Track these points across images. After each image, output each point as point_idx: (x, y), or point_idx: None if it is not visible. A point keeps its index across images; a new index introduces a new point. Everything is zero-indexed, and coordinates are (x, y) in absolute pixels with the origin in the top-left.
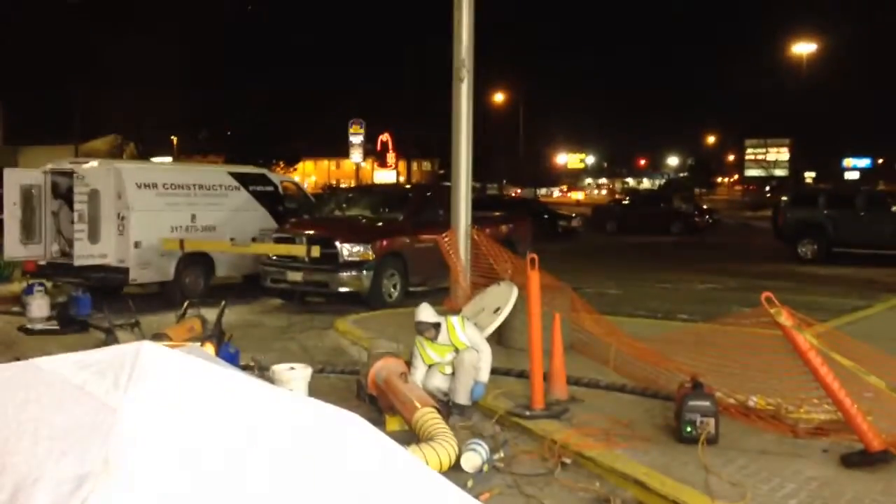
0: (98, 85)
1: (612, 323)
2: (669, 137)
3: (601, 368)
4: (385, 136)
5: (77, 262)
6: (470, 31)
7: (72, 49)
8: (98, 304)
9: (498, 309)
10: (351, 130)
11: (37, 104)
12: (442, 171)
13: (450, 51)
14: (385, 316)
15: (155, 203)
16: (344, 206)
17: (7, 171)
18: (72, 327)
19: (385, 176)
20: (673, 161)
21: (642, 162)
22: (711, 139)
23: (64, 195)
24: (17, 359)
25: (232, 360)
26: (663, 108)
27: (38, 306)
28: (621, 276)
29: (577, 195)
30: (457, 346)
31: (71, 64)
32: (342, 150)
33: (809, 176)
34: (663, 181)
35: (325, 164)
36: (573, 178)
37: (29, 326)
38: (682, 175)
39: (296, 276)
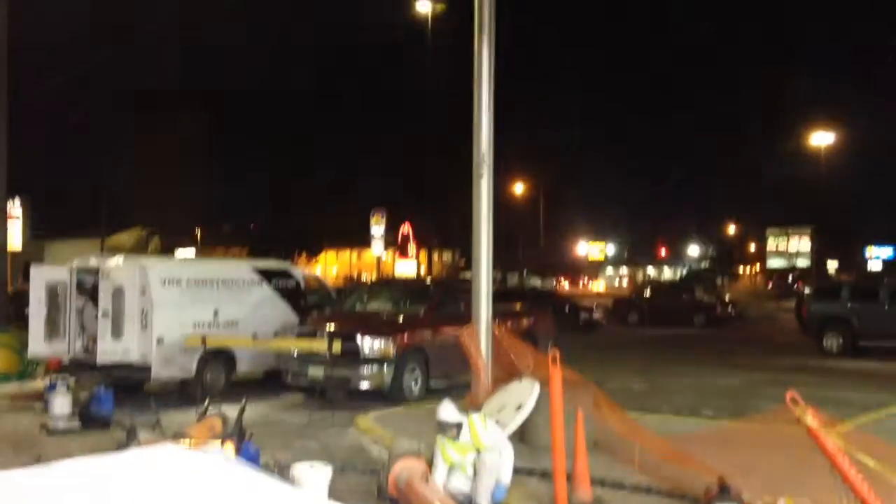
0: (124, 178)
1: (635, 421)
2: (690, 227)
3: (626, 468)
4: (406, 228)
5: (100, 360)
6: (490, 128)
7: (99, 144)
8: (120, 401)
9: (520, 406)
10: (372, 221)
11: (63, 198)
12: (463, 262)
13: (470, 142)
14: (406, 412)
15: (179, 299)
16: (365, 299)
17: (34, 269)
18: (94, 425)
19: (406, 266)
20: (694, 251)
21: (663, 252)
22: (732, 229)
23: (89, 292)
24: (39, 459)
25: (253, 459)
26: (683, 197)
27: (61, 404)
28: (645, 370)
29: (599, 286)
30: (478, 446)
31: (98, 158)
32: (364, 241)
33: (832, 265)
34: (685, 271)
35: (347, 255)
36: (594, 269)
37: (51, 425)
38: (703, 265)
39: (317, 372)
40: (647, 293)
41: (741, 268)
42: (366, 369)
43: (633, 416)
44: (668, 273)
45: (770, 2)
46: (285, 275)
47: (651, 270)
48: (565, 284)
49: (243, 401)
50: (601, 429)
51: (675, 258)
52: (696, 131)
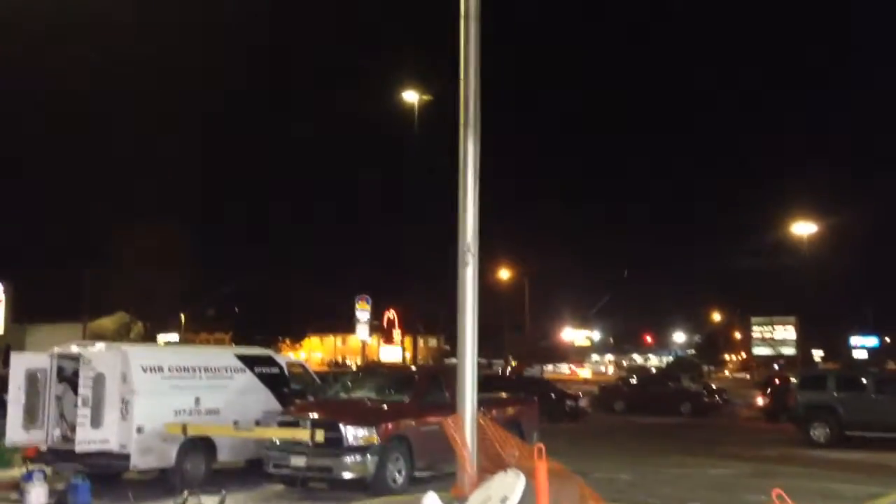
0: (107, 263)
1: None
2: (675, 314)
3: None
4: (391, 313)
5: (78, 448)
6: (475, 218)
7: (82, 228)
8: (98, 492)
9: (505, 499)
10: (357, 307)
11: (46, 282)
12: (448, 347)
13: (456, 228)
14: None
15: (160, 386)
16: (349, 386)
17: (14, 356)
18: None
19: (391, 352)
20: (679, 338)
21: (648, 339)
22: (717, 316)
23: (69, 379)
24: None
25: None
26: (668, 284)
27: (37, 494)
28: (631, 460)
29: (584, 372)
30: None
31: (81, 243)
32: (348, 326)
33: (818, 354)
34: (670, 359)
35: (331, 340)
36: (580, 355)
37: None
38: (689, 352)
39: (299, 461)
40: (634, 381)
41: (727, 355)
42: (349, 459)
43: None
44: (654, 360)
45: (753, 94)
46: (268, 362)
47: (637, 357)
48: (562, 368)
49: (223, 493)
50: None
51: (661, 345)
52: (682, 219)
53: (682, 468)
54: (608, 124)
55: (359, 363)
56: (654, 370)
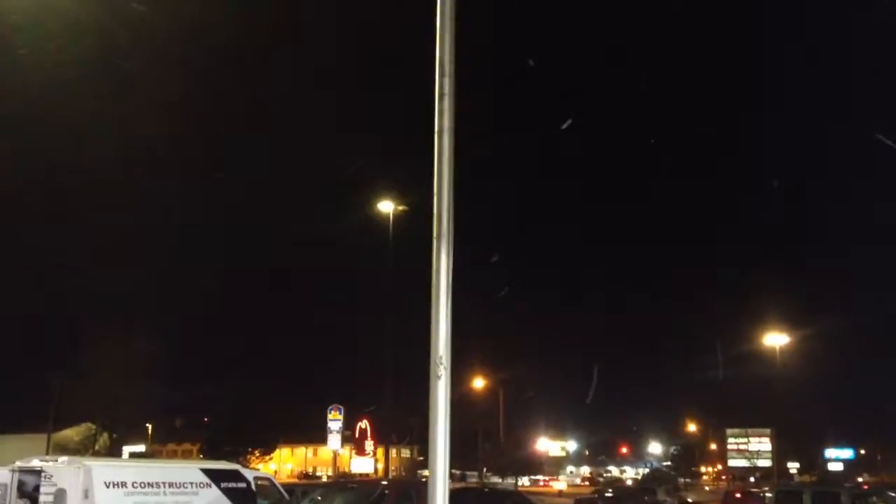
0: (73, 372)
1: None
2: (651, 425)
3: None
4: (363, 423)
5: None
6: (447, 331)
7: (47, 336)
8: None
9: None
10: (330, 416)
11: (9, 391)
12: (421, 458)
13: (428, 339)
14: None
15: (123, 503)
16: (319, 502)
17: None
18: None
19: (363, 464)
20: (655, 448)
21: (624, 450)
22: (693, 427)
23: (29, 494)
24: None
25: None
26: (643, 396)
27: None
28: None
29: (559, 485)
30: None
31: (46, 351)
32: (319, 438)
33: (793, 466)
34: (646, 470)
35: (302, 451)
36: (555, 466)
37: None
38: (665, 464)
39: None
40: (609, 494)
41: (703, 467)
42: None
43: None
44: (629, 471)
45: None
46: (235, 476)
47: (613, 468)
48: (537, 480)
49: None
50: None
51: (637, 455)
52: (658, 330)
53: None
54: (587, 234)
55: (329, 475)
56: (629, 482)
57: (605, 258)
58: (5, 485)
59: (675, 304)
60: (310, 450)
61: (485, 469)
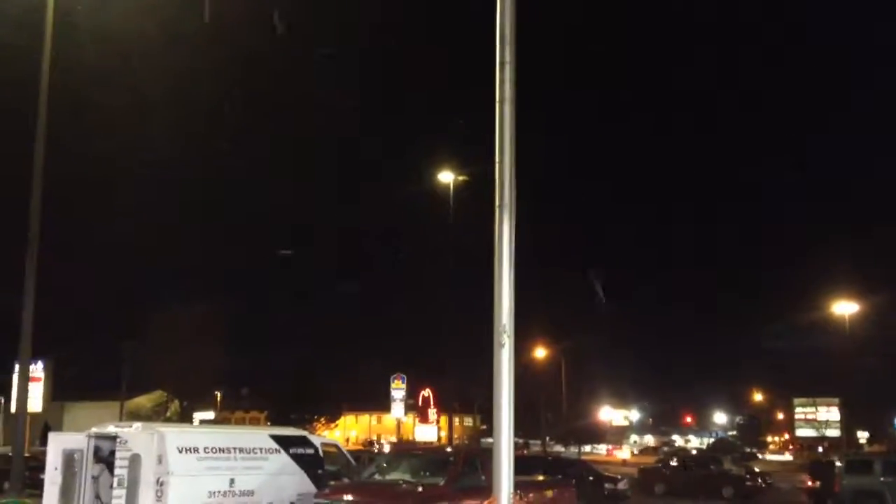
0: (146, 341)
1: None
2: (716, 394)
3: None
4: (427, 392)
5: None
6: (510, 299)
7: (121, 306)
8: None
9: None
10: (393, 385)
11: (85, 360)
12: (484, 427)
13: (492, 308)
14: None
15: (195, 467)
16: (384, 468)
17: (52, 436)
18: None
19: (426, 431)
20: (720, 418)
21: (688, 419)
22: (759, 397)
23: (105, 459)
24: None
25: None
26: (709, 364)
27: None
28: None
29: (623, 454)
30: None
31: (119, 321)
32: (383, 405)
33: (863, 436)
34: (711, 440)
35: (367, 419)
36: (618, 436)
37: None
38: (730, 434)
39: None
40: (674, 463)
41: (769, 436)
42: None
43: None
44: (694, 441)
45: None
46: (303, 442)
47: (677, 438)
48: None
49: None
50: None
51: (702, 425)
52: (725, 298)
53: None
54: (649, 198)
55: (394, 442)
56: (694, 452)
57: (671, 228)
58: (81, 450)
59: (742, 272)
60: (374, 417)
61: (548, 438)
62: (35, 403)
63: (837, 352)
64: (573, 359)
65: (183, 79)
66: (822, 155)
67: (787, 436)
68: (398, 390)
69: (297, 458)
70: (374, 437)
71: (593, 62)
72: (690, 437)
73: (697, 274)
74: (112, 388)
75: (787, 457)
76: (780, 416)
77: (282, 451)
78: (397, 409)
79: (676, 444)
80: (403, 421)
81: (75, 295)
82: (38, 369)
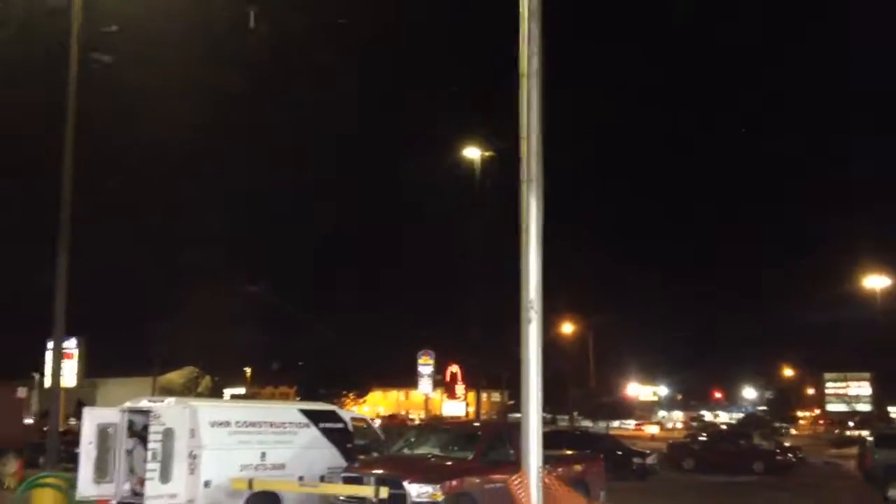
0: (176, 318)
1: None
2: (745, 370)
3: None
4: (454, 368)
5: (147, 502)
6: (538, 274)
7: (151, 284)
8: None
9: None
10: (420, 361)
11: (116, 337)
12: (512, 402)
13: (519, 283)
14: None
15: (227, 441)
16: (413, 442)
17: (86, 411)
18: None
19: (454, 407)
20: (750, 394)
21: (717, 395)
22: (789, 372)
23: (139, 433)
24: None
25: None
26: (737, 340)
27: None
28: None
29: (651, 429)
30: None
31: (150, 298)
32: (411, 381)
33: (894, 411)
34: (741, 415)
35: (395, 395)
36: (646, 411)
37: None
38: (760, 409)
39: None
40: (703, 438)
41: (799, 411)
42: None
43: None
44: (723, 416)
45: (823, 143)
46: (332, 417)
47: (706, 413)
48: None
49: None
50: None
51: (731, 401)
52: (752, 272)
53: None
54: (677, 172)
55: (421, 417)
56: (724, 427)
57: (698, 200)
58: (115, 424)
59: (770, 246)
60: (402, 393)
61: (576, 413)
62: (69, 380)
63: (869, 326)
64: (601, 334)
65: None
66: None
67: (817, 411)
68: (426, 366)
69: (327, 433)
70: (403, 413)
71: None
72: (720, 412)
73: (726, 249)
74: (144, 364)
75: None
76: (811, 391)
77: (312, 425)
78: (425, 384)
79: (705, 420)
80: (431, 397)
81: (108, 273)
82: (71, 346)
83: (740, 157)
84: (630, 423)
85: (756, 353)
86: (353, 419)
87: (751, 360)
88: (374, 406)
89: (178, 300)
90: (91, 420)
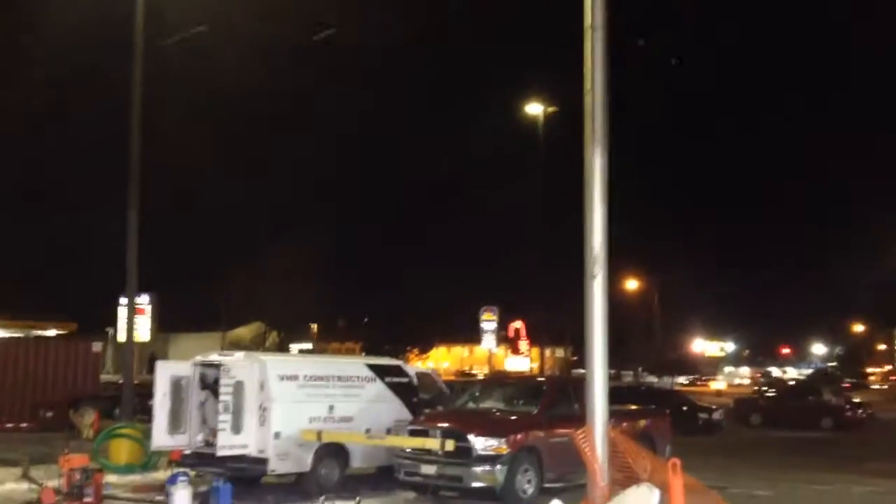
0: (245, 276)
1: None
2: (814, 325)
3: None
4: (518, 324)
5: (219, 453)
6: (603, 229)
7: (220, 241)
8: (239, 495)
9: None
10: (483, 317)
11: (187, 293)
12: (575, 358)
13: (583, 239)
14: None
15: (295, 394)
16: (478, 397)
17: (159, 364)
18: None
19: (517, 363)
20: (819, 349)
21: (785, 350)
22: (859, 327)
23: (210, 386)
24: None
25: None
26: (806, 295)
27: (181, 497)
28: (770, 476)
29: (718, 385)
30: None
31: (218, 255)
32: (474, 337)
33: None
34: (810, 371)
35: (458, 351)
36: (712, 367)
37: None
38: (829, 365)
39: (429, 470)
40: (771, 393)
41: (870, 367)
42: (478, 468)
43: None
44: (792, 372)
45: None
46: (398, 371)
47: (774, 369)
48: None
49: (357, 499)
50: None
51: (800, 357)
52: (820, 226)
53: (823, 485)
54: (747, 121)
55: (485, 373)
56: (792, 383)
57: (766, 154)
58: (188, 377)
59: (839, 202)
60: (465, 349)
61: (640, 368)
62: (142, 334)
63: None
64: (667, 290)
65: None
66: None
67: (888, 366)
68: (489, 322)
69: (393, 387)
70: (467, 368)
71: None
72: (788, 368)
73: (797, 203)
74: (213, 320)
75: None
76: (882, 346)
77: (378, 379)
78: (488, 340)
79: (773, 376)
80: (494, 353)
81: (178, 230)
82: (143, 302)
83: (823, 104)
84: (695, 379)
85: (826, 309)
86: (418, 373)
87: (820, 316)
88: (438, 362)
89: (246, 256)
90: (164, 373)
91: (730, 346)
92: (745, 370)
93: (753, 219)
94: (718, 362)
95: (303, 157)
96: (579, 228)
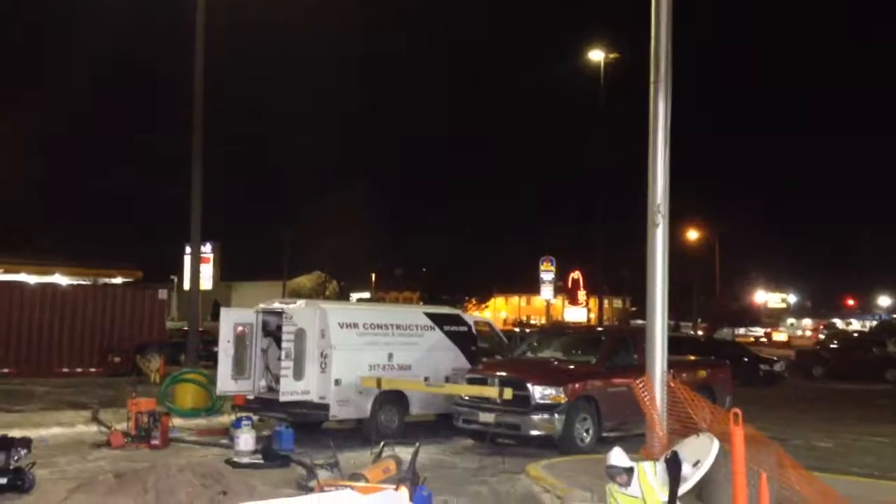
0: (305, 224)
1: (824, 482)
2: (880, 277)
3: None
4: (576, 274)
5: (282, 398)
6: (665, 178)
7: (282, 192)
8: (300, 440)
9: (697, 462)
10: (542, 268)
11: (249, 243)
12: (634, 309)
13: (645, 189)
14: (577, 462)
15: (355, 342)
16: (536, 346)
17: (223, 311)
18: (275, 462)
19: (575, 313)
20: (884, 301)
21: (850, 302)
22: None
23: (273, 333)
24: (224, 493)
25: (426, 503)
26: (873, 246)
27: (245, 440)
28: (831, 427)
29: (780, 336)
30: (647, 499)
31: (281, 206)
32: (533, 287)
33: None
34: (874, 323)
35: (516, 301)
36: (774, 318)
37: (235, 459)
38: (894, 317)
39: (487, 418)
40: (834, 345)
41: None
42: (536, 417)
43: (819, 478)
44: (856, 324)
45: None
46: (456, 320)
47: (838, 321)
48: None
49: (417, 445)
50: (786, 492)
51: (864, 308)
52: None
53: (886, 437)
54: (817, 72)
55: (543, 323)
56: (856, 335)
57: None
58: (251, 324)
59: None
60: (523, 299)
61: (700, 320)
62: (206, 282)
63: None
64: (729, 241)
65: None
66: None
67: None
68: (547, 272)
69: (451, 335)
70: (525, 318)
71: None
72: (852, 320)
73: (861, 157)
74: (275, 269)
75: None
76: None
77: (436, 328)
78: (546, 290)
79: (837, 327)
80: (552, 303)
81: (240, 181)
82: (207, 250)
83: (883, 67)
84: (757, 330)
85: (892, 260)
86: (477, 322)
87: (887, 267)
88: (496, 312)
89: (307, 207)
90: (228, 320)
91: (792, 298)
92: (808, 322)
93: (820, 171)
94: (781, 314)
95: (371, 108)
96: (641, 177)
